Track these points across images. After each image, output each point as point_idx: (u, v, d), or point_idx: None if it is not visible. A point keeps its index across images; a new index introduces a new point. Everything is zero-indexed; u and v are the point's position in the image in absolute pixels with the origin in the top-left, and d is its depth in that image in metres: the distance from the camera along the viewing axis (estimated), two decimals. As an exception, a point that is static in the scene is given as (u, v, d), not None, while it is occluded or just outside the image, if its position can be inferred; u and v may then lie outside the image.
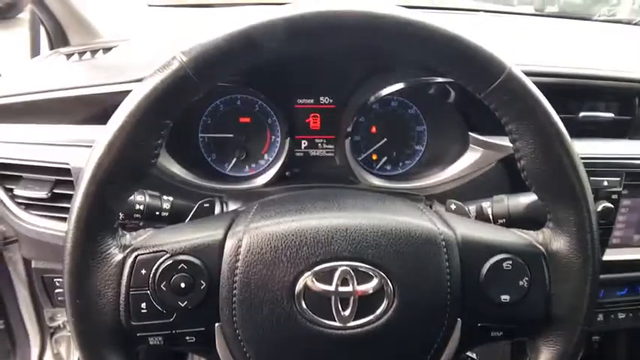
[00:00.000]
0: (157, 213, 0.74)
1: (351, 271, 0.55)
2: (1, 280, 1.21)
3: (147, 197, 0.74)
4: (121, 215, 0.71)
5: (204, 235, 0.57)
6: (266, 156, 0.98)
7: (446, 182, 0.94)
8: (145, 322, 0.56)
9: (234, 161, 0.96)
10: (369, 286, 0.55)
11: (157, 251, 0.56)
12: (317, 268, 0.55)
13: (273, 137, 0.97)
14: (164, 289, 0.55)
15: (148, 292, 0.55)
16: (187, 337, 0.57)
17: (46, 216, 0.88)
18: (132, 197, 0.72)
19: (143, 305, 0.55)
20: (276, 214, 0.59)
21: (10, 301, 1.26)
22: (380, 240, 0.56)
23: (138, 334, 0.56)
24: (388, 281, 0.55)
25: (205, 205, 0.73)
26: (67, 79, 0.88)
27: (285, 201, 0.62)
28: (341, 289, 0.55)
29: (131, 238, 0.58)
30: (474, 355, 0.74)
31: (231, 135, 0.96)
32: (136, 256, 0.56)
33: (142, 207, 0.72)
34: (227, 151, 0.97)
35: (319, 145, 0.97)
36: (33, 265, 1.00)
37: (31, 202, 0.88)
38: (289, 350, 0.56)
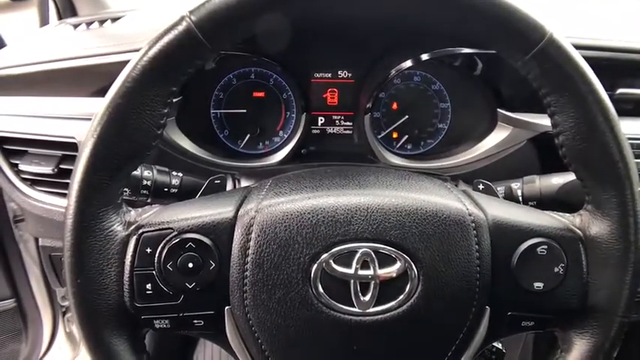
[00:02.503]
0: (166, 189, 0.70)
1: (372, 254, 0.50)
2: (12, 258, 1.20)
3: (155, 173, 0.70)
4: (128, 191, 0.68)
5: (214, 213, 0.53)
6: (281, 133, 0.93)
7: (471, 162, 0.89)
8: (150, 303, 0.52)
9: (247, 138, 0.92)
10: (391, 270, 0.51)
11: (163, 229, 0.52)
12: (335, 249, 0.50)
13: (289, 113, 0.93)
14: (171, 269, 0.51)
15: (154, 272, 0.52)
16: (195, 321, 0.54)
17: (52, 192, 0.85)
18: (139, 172, 0.68)
19: (148, 286, 0.52)
20: (291, 191, 0.54)
21: (21, 279, 1.25)
22: (404, 220, 0.51)
23: (143, 317, 0.53)
24: (412, 265, 0.51)
25: (216, 181, 0.69)
26: (72, 48, 0.84)
27: (300, 177, 0.58)
28: (361, 272, 0.50)
29: (136, 214, 0.54)
30: (499, 345, 0.70)
31: (245, 110, 0.92)
32: (141, 234, 0.52)
33: (149, 183, 0.69)
34: (240, 127, 0.92)
35: (337, 121, 0.93)
36: (40, 244, 0.97)
37: (36, 177, 0.85)
38: (304, 336, 0.52)
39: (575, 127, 0.52)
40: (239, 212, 0.53)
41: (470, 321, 0.53)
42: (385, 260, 0.51)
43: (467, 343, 0.54)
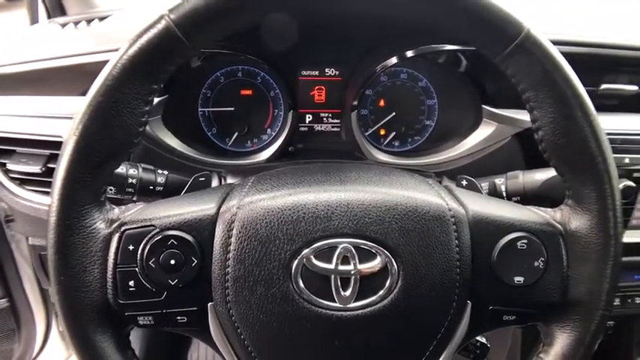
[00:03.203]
0: (151, 187, 0.71)
1: (353, 249, 0.51)
2: (4, 258, 1.20)
3: (140, 171, 0.70)
4: (113, 190, 0.68)
5: (195, 210, 0.53)
6: (269, 131, 0.94)
7: (457, 158, 0.89)
8: (133, 300, 0.53)
9: (235, 136, 0.93)
10: (371, 265, 0.51)
11: (145, 226, 0.52)
12: (315, 245, 0.51)
13: (276, 111, 0.93)
14: (153, 266, 0.52)
15: (137, 269, 0.52)
16: (179, 317, 0.54)
17: (40, 191, 0.85)
18: (124, 170, 0.69)
19: (131, 283, 0.52)
20: (273, 188, 0.55)
21: (13, 279, 1.24)
22: (384, 216, 0.52)
23: (126, 314, 0.53)
24: (392, 260, 0.51)
25: (201, 179, 0.69)
26: (59, 47, 0.84)
27: (282, 174, 0.58)
28: (341, 267, 0.51)
29: (119, 212, 0.54)
30: (484, 340, 0.70)
31: (233, 108, 0.92)
32: (123, 231, 0.52)
33: (134, 181, 0.69)
34: (228, 125, 0.93)
35: (324, 119, 0.93)
36: (29, 242, 0.97)
37: (25, 177, 0.85)
38: (285, 332, 0.52)
39: (553, 122, 0.52)
40: (221, 209, 0.53)
41: (451, 315, 0.54)
42: (365, 255, 0.51)
43: (449, 337, 0.55)
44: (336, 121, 0.93)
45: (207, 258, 0.52)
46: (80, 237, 0.51)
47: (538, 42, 0.51)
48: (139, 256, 0.52)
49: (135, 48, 0.48)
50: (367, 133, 0.94)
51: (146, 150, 0.80)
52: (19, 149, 0.85)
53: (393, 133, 0.94)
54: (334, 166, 0.59)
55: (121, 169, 0.69)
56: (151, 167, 0.72)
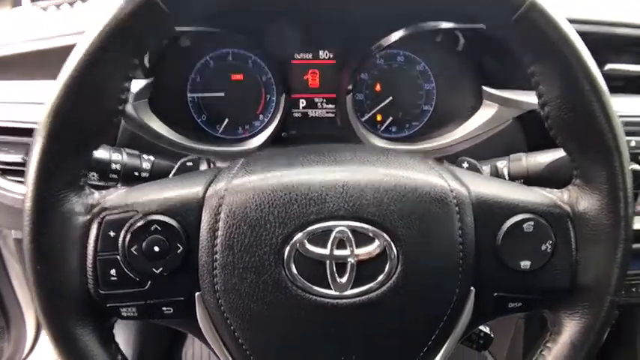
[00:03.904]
0: (137, 173, 0.67)
1: (349, 233, 0.48)
2: None
3: (124, 156, 0.67)
4: (96, 176, 0.65)
5: (180, 193, 0.50)
6: (261, 117, 0.90)
7: (456, 143, 0.86)
8: (115, 290, 0.50)
9: (226, 122, 0.89)
10: (369, 250, 0.48)
11: (126, 211, 0.49)
12: (309, 228, 0.48)
13: (269, 96, 0.90)
14: (135, 253, 0.49)
15: (118, 256, 0.49)
16: (164, 308, 0.51)
17: (23, 182, 0.81)
18: (107, 155, 0.65)
19: (113, 272, 0.49)
20: (263, 169, 0.51)
21: (1, 276, 1.21)
22: (382, 197, 0.49)
23: (108, 305, 0.50)
24: (391, 244, 0.48)
25: (188, 163, 0.66)
26: (39, 30, 0.81)
27: (273, 156, 0.55)
28: (337, 252, 0.48)
29: (99, 197, 0.51)
30: (487, 330, 0.67)
31: (223, 94, 0.88)
32: (103, 217, 0.49)
33: (118, 166, 0.66)
34: (218, 111, 0.89)
35: (319, 104, 0.90)
36: (14, 236, 0.94)
37: (5, 166, 0.81)
38: (278, 322, 0.49)
39: (560, 96, 0.49)
40: (207, 192, 0.50)
41: (454, 303, 0.51)
42: (362, 239, 0.48)
43: (451, 326, 0.52)
44: (330, 106, 0.90)
45: (194, 244, 0.49)
46: (57, 223, 0.48)
47: (543, 11, 0.48)
48: (120, 243, 0.49)
49: (109, 18, 0.45)
50: (363, 119, 0.91)
51: (132, 136, 0.77)
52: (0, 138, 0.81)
53: (390, 119, 0.91)
54: (328, 147, 0.56)
55: (104, 154, 0.65)
56: (136, 152, 0.68)
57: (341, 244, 0.48)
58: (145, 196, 0.50)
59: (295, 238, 0.48)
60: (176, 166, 0.65)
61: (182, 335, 1.38)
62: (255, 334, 0.50)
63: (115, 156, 0.66)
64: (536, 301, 0.54)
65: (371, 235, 0.48)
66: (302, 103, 0.90)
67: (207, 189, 0.50)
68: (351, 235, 0.48)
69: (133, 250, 0.49)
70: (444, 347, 0.53)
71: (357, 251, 0.48)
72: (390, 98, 0.90)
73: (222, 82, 0.88)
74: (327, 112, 0.90)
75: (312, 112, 0.90)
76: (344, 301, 0.48)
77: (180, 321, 0.53)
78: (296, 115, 0.90)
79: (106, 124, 0.49)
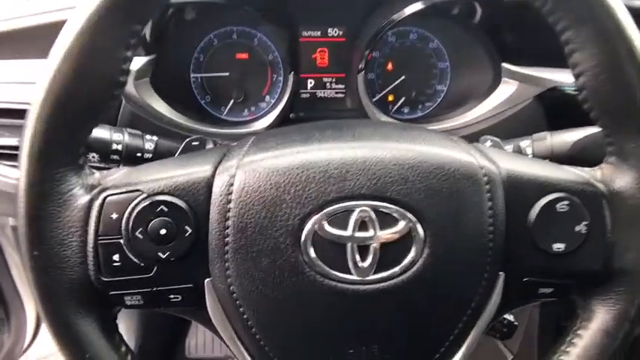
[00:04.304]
0: (139, 154, 0.63)
1: (372, 213, 0.44)
2: None
3: (126, 136, 0.63)
4: (96, 157, 0.61)
5: (188, 172, 0.46)
6: (267, 97, 0.86)
7: (473, 124, 0.82)
8: (118, 277, 0.46)
9: (231, 104, 0.85)
10: (393, 231, 0.44)
11: (130, 191, 0.45)
12: (329, 208, 0.44)
13: (275, 76, 0.86)
14: (140, 236, 0.45)
15: (121, 240, 0.45)
16: (171, 296, 0.47)
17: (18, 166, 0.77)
18: (108, 136, 0.61)
19: (116, 257, 0.45)
20: (277, 145, 0.47)
21: (0, 267, 1.18)
22: (407, 174, 0.45)
23: (111, 293, 0.46)
24: (417, 225, 0.45)
25: (194, 143, 0.62)
26: (27, 6, 0.76)
27: (287, 132, 0.51)
28: (359, 234, 0.44)
29: (100, 176, 0.47)
30: (511, 318, 0.64)
31: (227, 74, 0.84)
32: (105, 197, 0.45)
33: (120, 147, 0.62)
34: (223, 92, 0.85)
35: (327, 84, 0.86)
36: (11, 224, 0.90)
37: (1, 150, 0.77)
38: (294, 309, 0.46)
39: (597, 66, 0.45)
40: (217, 170, 0.46)
41: (482, 288, 0.47)
42: (386, 220, 0.44)
43: (478, 313, 0.48)
44: (340, 86, 0.86)
45: (203, 227, 0.45)
46: (55, 205, 0.44)
47: None
48: (123, 225, 0.45)
49: None
50: (375, 99, 0.86)
51: (132, 116, 0.73)
52: (-7, 120, 0.77)
53: (403, 99, 0.87)
54: (347, 122, 0.52)
55: (105, 134, 0.61)
56: (139, 132, 0.65)
57: (363, 225, 0.44)
58: (150, 175, 0.46)
59: (313, 219, 0.44)
60: (181, 146, 0.61)
61: (185, 325, 1.35)
62: (270, 323, 0.47)
63: (117, 136, 0.62)
64: (569, 286, 0.51)
65: (395, 215, 0.44)
66: (310, 83, 0.86)
67: (217, 167, 0.47)
68: (373, 216, 0.44)
69: (137, 233, 0.45)
70: (470, 336, 0.49)
71: (381, 233, 0.44)
72: (403, 77, 0.86)
73: (226, 62, 0.84)
74: (336, 93, 0.87)
75: (320, 93, 0.86)
76: (366, 286, 0.45)
77: (188, 310, 0.49)
78: (304, 95, 0.86)
79: (107, 97, 0.45)
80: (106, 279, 0.46)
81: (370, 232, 0.44)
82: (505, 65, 0.79)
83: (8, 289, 1.21)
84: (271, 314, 0.46)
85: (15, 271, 1.18)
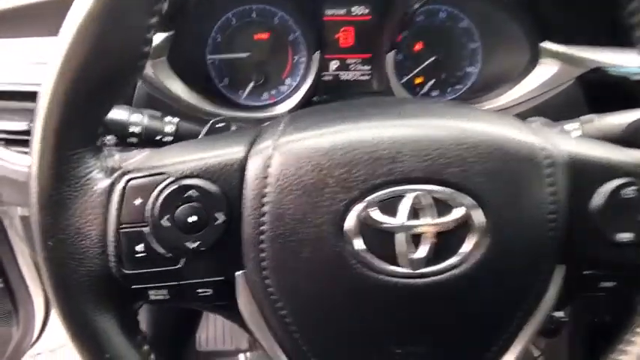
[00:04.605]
0: (159, 137, 0.59)
1: (426, 198, 0.39)
2: None
3: (145, 117, 0.58)
4: (112, 139, 0.56)
5: (219, 153, 0.42)
6: (288, 80, 0.82)
7: (506, 107, 0.77)
8: (142, 269, 0.42)
9: (250, 87, 0.81)
10: (449, 219, 0.40)
11: (156, 174, 0.41)
12: (377, 193, 0.39)
13: (297, 57, 0.81)
14: (167, 224, 0.41)
15: (146, 229, 0.41)
16: (200, 290, 0.43)
17: (28, 153, 0.73)
18: (125, 117, 0.57)
19: (139, 247, 0.41)
20: (318, 123, 0.43)
21: (8, 258, 1.15)
22: (465, 155, 0.40)
23: (134, 287, 0.42)
24: (477, 211, 0.40)
25: (219, 124, 0.57)
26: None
27: (326, 109, 0.46)
28: (411, 222, 0.40)
29: (121, 158, 0.43)
30: (561, 313, 0.60)
31: (246, 55, 0.80)
32: (127, 181, 0.41)
33: (138, 129, 0.57)
34: (241, 75, 0.81)
35: (352, 66, 0.81)
36: (20, 214, 0.87)
37: (9, 136, 0.73)
38: (336, 305, 0.42)
39: None
40: (251, 151, 0.42)
41: (540, 281, 0.43)
42: (441, 206, 0.40)
43: (535, 308, 0.44)
44: (365, 67, 0.81)
45: (236, 213, 0.41)
46: (71, 190, 0.40)
47: None
48: (148, 212, 0.41)
49: None
50: (402, 81, 0.82)
51: (148, 98, 0.68)
52: (1, 103, 0.73)
53: (432, 81, 0.82)
54: (391, 100, 0.47)
55: (122, 115, 0.57)
56: (158, 114, 0.60)
57: (415, 212, 0.40)
58: (177, 156, 0.42)
59: (360, 206, 0.39)
60: (206, 127, 0.56)
61: (196, 317, 1.31)
62: (309, 320, 0.42)
63: (135, 117, 0.57)
64: (634, 280, 0.46)
65: (452, 201, 0.40)
66: (334, 64, 0.81)
67: (250, 148, 0.42)
68: (428, 201, 0.39)
69: (163, 220, 0.41)
70: (526, 332, 0.45)
71: (435, 220, 0.40)
72: (433, 58, 0.81)
73: (245, 42, 0.79)
74: (361, 75, 0.82)
75: (344, 75, 0.82)
76: (417, 280, 0.40)
77: (218, 305, 0.45)
78: (327, 78, 0.81)
79: (130, 70, 0.41)
80: (128, 271, 0.41)
81: (424, 220, 0.40)
82: (545, 44, 0.74)
83: (16, 282, 1.19)
84: (311, 310, 0.42)
85: (23, 263, 1.16)
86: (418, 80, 0.83)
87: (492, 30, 0.81)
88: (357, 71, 0.81)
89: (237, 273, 0.43)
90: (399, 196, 0.40)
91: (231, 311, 0.45)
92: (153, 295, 0.43)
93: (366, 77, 0.82)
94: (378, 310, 0.42)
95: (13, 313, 1.22)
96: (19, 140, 0.73)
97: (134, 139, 0.57)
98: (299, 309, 0.42)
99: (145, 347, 0.45)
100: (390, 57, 0.76)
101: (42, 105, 0.39)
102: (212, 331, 1.44)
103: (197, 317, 1.30)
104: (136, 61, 0.41)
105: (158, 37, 0.68)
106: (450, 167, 0.40)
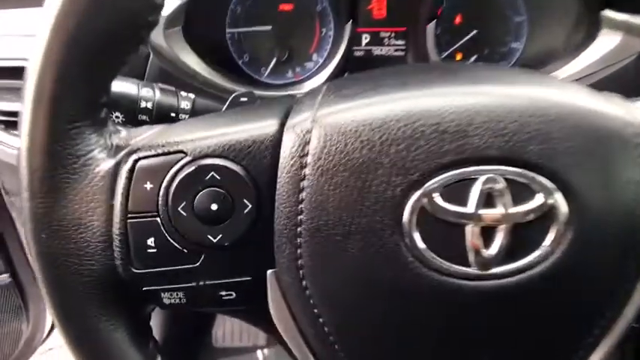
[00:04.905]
0: (173, 114, 0.52)
1: (502, 182, 0.32)
2: (5, 229, 1.06)
3: (157, 92, 0.51)
4: (121, 116, 0.49)
5: (247, 128, 0.35)
6: (315, 56, 0.74)
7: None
8: (154, 268, 0.35)
9: (273, 63, 0.73)
10: (529, 208, 0.32)
11: (169, 152, 0.34)
12: (442, 176, 0.32)
13: (324, 30, 0.73)
14: (184, 214, 0.34)
15: (159, 219, 0.34)
16: (223, 292, 0.36)
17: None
18: (135, 91, 0.50)
19: (150, 241, 0.34)
20: (365, 92, 0.35)
21: (16, 252, 1.10)
22: (549, 130, 0.33)
23: (144, 289, 0.36)
24: (561, 199, 0.32)
25: (243, 99, 0.50)
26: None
27: (375, 75, 0.39)
28: (484, 212, 0.32)
29: (128, 134, 0.36)
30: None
31: (269, 28, 0.72)
32: (135, 161, 0.34)
33: (149, 105, 0.50)
34: (263, 50, 0.74)
35: (385, 40, 0.74)
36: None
37: (9, 118, 0.67)
38: (389, 311, 0.34)
39: None
40: (286, 126, 0.34)
41: (628, 281, 0.35)
42: (520, 192, 0.32)
43: (622, 309, 0.36)
44: (400, 42, 0.74)
45: (267, 201, 0.34)
46: (69, 172, 0.34)
47: None
48: (161, 199, 0.34)
49: None
50: (442, 57, 0.74)
51: (161, 72, 0.61)
52: (1, 82, 0.66)
53: (474, 57, 0.74)
54: (454, 65, 0.40)
55: (132, 89, 0.50)
56: (172, 88, 0.53)
57: (489, 199, 0.32)
58: (195, 132, 0.35)
59: (421, 191, 0.32)
60: (228, 101, 0.49)
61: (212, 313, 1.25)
62: (354, 330, 0.35)
63: (146, 91, 0.50)
64: None
65: (533, 185, 0.32)
66: (365, 38, 0.73)
67: (284, 122, 0.35)
68: (504, 186, 0.32)
69: (179, 209, 0.34)
70: (610, 339, 0.37)
71: (513, 210, 0.32)
72: (474, 32, 0.73)
73: (267, 14, 0.72)
74: (395, 50, 0.74)
75: (377, 50, 0.74)
76: (488, 282, 0.33)
77: (244, 310, 0.38)
78: (357, 53, 0.74)
79: (141, 23, 0.34)
80: (137, 270, 0.35)
81: (499, 209, 0.32)
82: (606, 13, 0.66)
83: (25, 276, 1.15)
84: (356, 317, 0.35)
85: (31, 258, 1.11)
86: (458, 56, 0.75)
87: (541, 1, 0.73)
88: (391, 46, 0.74)
89: (268, 272, 0.35)
90: (470, 180, 0.32)
91: (257, 316, 0.38)
92: (167, 298, 0.36)
93: (401, 53, 0.74)
94: (439, 316, 0.34)
95: (22, 309, 1.18)
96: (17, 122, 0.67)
97: (145, 117, 0.50)
98: (341, 317, 0.35)
99: (158, 359, 0.39)
100: (431, 29, 0.69)
101: (32, 68, 0.32)
102: (229, 326, 1.38)
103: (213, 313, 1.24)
104: (147, 15, 0.34)
105: (172, 4, 0.61)
106: (531, 144, 0.32)
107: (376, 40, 0.74)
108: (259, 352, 1.41)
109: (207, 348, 1.36)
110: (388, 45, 0.74)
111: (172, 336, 1.14)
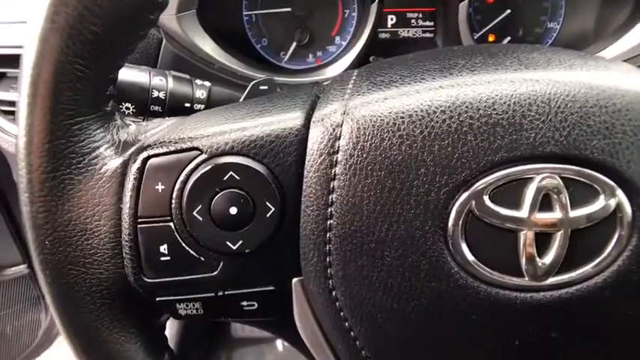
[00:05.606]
0: (188, 105, 0.48)
1: (560, 182, 0.28)
2: (21, 221, 1.04)
3: (170, 80, 0.47)
4: (131, 107, 0.46)
5: (269, 121, 0.31)
6: (337, 39, 0.70)
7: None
8: (167, 277, 0.32)
9: (293, 47, 0.70)
10: (591, 211, 0.28)
11: (183, 149, 0.31)
12: (492, 176, 0.28)
13: (347, 11, 0.70)
14: (200, 218, 0.31)
15: (172, 224, 0.31)
16: (244, 303, 0.33)
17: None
18: (146, 79, 0.47)
19: (163, 248, 0.31)
20: (402, 79, 0.31)
21: (32, 243, 1.09)
22: (613, 121, 0.28)
23: (158, 299, 0.32)
24: (625, 201, 0.28)
25: (263, 87, 0.46)
26: None
27: (413, 59, 0.35)
28: (540, 216, 0.28)
29: (138, 129, 0.33)
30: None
31: (289, 10, 0.68)
32: (145, 159, 0.31)
33: (162, 94, 0.46)
34: (283, 33, 0.70)
35: (413, 21, 0.70)
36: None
37: (9, 107, 0.65)
38: (431, 326, 0.31)
39: None
40: (313, 119, 0.31)
41: None
42: (581, 194, 0.28)
43: None
44: (428, 23, 0.69)
45: (292, 203, 0.31)
46: (72, 172, 0.31)
47: None
48: (174, 202, 0.31)
49: None
50: (474, 38, 0.70)
51: (175, 59, 0.58)
52: (10, 71, 0.64)
53: (508, 39, 0.70)
54: (501, 47, 0.35)
55: (143, 78, 0.46)
56: (186, 76, 0.49)
57: (545, 201, 0.28)
58: (211, 126, 0.31)
59: (468, 193, 0.28)
60: (247, 89, 0.45)
61: None
62: (391, 345, 0.32)
63: (158, 80, 0.47)
64: None
65: (595, 186, 0.28)
66: (391, 19, 0.69)
67: (310, 114, 0.31)
68: (563, 187, 0.28)
69: (195, 213, 0.30)
70: None
71: (572, 214, 0.28)
72: (508, 12, 0.69)
73: None
74: (423, 32, 0.70)
75: (403, 32, 0.70)
76: (543, 295, 0.29)
77: (266, 322, 0.35)
78: (383, 36, 0.70)
79: (142, 13, 0.30)
80: (149, 280, 0.32)
81: (556, 213, 0.28)
82: None
83: None
84: (394, 333, 0.31)
85: (36, 266, 1.10)
86: (491, 38, 0.71)
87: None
88: (419, 27, 0.70)
89: (294, 280, 0.32)
90: (524, 180, 0.28)
91: (282, 328, 0.35)
92: (182, 309, 0.33)
93: (429, 35, 0.70)
94: (490, 335, 0.31)
95: (40, 299, 1.18)
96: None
97: (157, 107, 0.46)
98: (375, 331, 0.31)
99: None
100: (464, 7, 0.64)
101: (29, 54, 0.29)
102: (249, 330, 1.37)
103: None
104: None
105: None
106: (594, 139, 0.28)
107: (403, 21, 0.70)
108: (278, 342, 1.39)
109: (226, 338, 1.34)
110: (416, 26, 0.70)
111: (185, 344, 1.11)
